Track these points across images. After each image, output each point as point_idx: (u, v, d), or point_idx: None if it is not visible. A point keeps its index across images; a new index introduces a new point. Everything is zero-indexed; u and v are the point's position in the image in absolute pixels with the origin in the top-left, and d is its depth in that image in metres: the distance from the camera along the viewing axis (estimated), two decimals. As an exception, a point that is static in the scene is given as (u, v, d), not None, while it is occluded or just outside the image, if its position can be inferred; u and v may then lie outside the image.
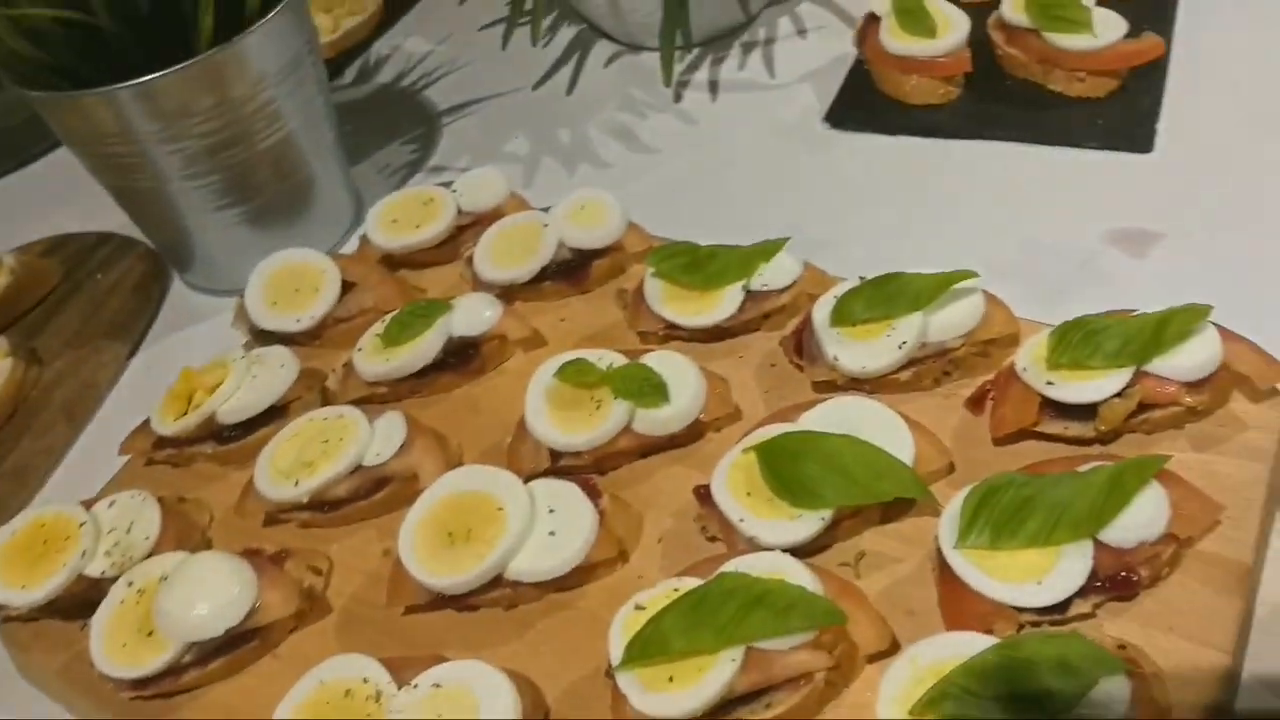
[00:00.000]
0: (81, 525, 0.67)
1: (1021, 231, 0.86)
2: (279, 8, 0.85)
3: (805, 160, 0.99)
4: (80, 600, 0.66)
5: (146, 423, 0.77)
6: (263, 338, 0.83)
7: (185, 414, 0.74)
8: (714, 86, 1.11)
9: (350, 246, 1.01)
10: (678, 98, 1.10)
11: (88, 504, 0.70)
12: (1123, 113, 0.93)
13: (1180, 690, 0.52)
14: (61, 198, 1.17)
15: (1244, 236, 0.80)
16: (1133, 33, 0.93)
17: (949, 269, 0.69)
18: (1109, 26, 0.92)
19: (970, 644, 0.51)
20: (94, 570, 0.66)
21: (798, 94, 1.07)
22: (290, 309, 0.82)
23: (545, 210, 0.85)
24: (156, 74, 0.81)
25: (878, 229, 0.90)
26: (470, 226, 0.89)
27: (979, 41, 0.98)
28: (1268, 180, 0.84)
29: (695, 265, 0.75)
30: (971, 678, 0.49)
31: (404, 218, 0.88)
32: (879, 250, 0.85)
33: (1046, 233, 0.85)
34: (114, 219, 1.04)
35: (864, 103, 1.02)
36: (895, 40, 0.96)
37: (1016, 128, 0.95)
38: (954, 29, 0.96)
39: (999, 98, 0.98)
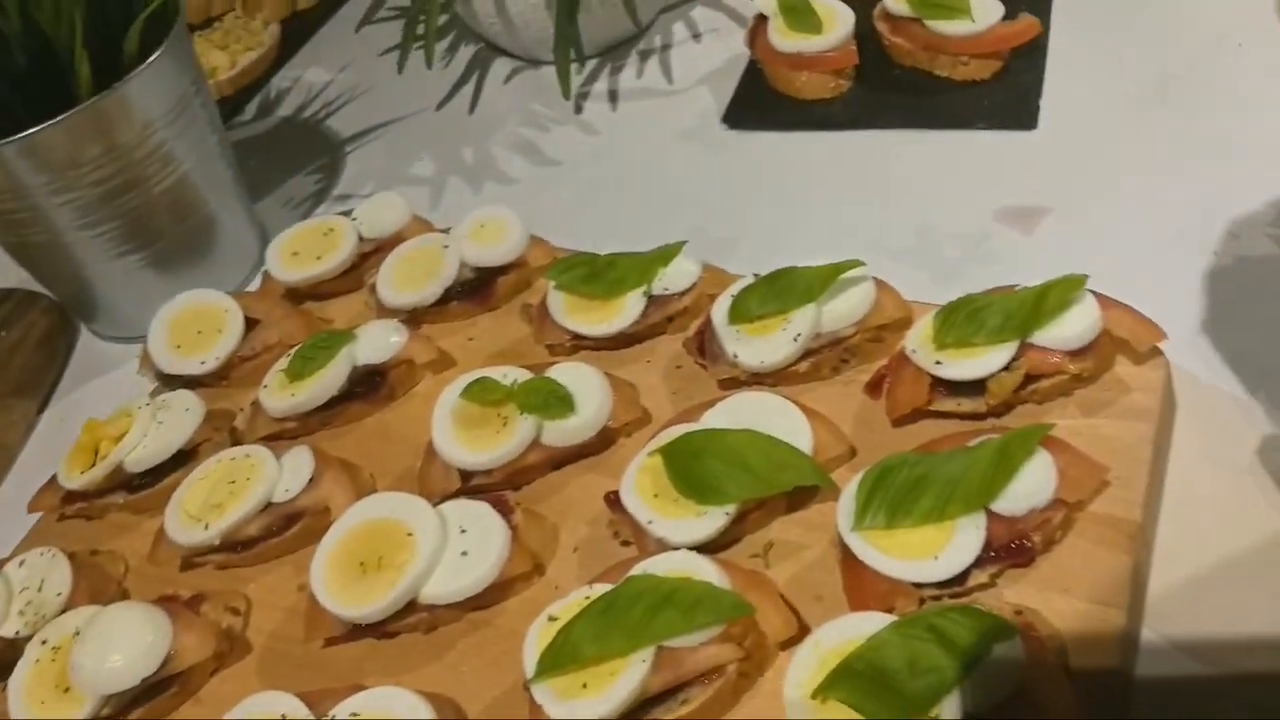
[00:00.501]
0: (-9, 589, 0.66)
1: (916, 216, 0.88)
2: (159, 51, 0.85)
3: (706, 162, 1.01)
4: (-1, 663, 0.65)
5: (54, 478, 0.76)
6: (169, 381, 0.83)
7: (93, 466, 0.73)
8: (614, 96, 1.12)
9: (257, 283, 1.01)
10: (579, 109, 1.11)
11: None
12: (1006, 93, 0.96)
13: (1080, 649, 0.54)
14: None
15: (1125, 207, 0.83)
16: (1010, 15, 0.95)
17: (842, 259, 0.71)
18: (987, 10, 0.95)
19: (870, 624, 0.53)
20: (8, 631, 0.65)
21: (696, 98, 1.08)
22: (194, 351, 0.82)
23: (446, 231, 0.86)
24: (38, 127, 0.80)
25: (777, 225, 0.92)
26: (374, 253, 0.89)
27: (865, 34, 1.00)
28: (1145, 149, 0.87)
29: (595, 275, 0.76)
30: (868, 657, 0.50)
31: (304, 250, 0.88)
32: (779, 245, 0.87)
33: (940, 215, 0.87)
34: (14, 274, 1.02)
35: (759, 102, 1.04)
36: (783, 39, 0.98)
37: (906, 114, 0.98)
38: (839, 23, 0.98)
39: (888, 87, 1.01)
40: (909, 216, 0.88)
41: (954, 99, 0.97)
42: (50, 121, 0.80)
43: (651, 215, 0.96)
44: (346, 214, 0.92)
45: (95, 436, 0.74)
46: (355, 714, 0.55)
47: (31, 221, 0.86)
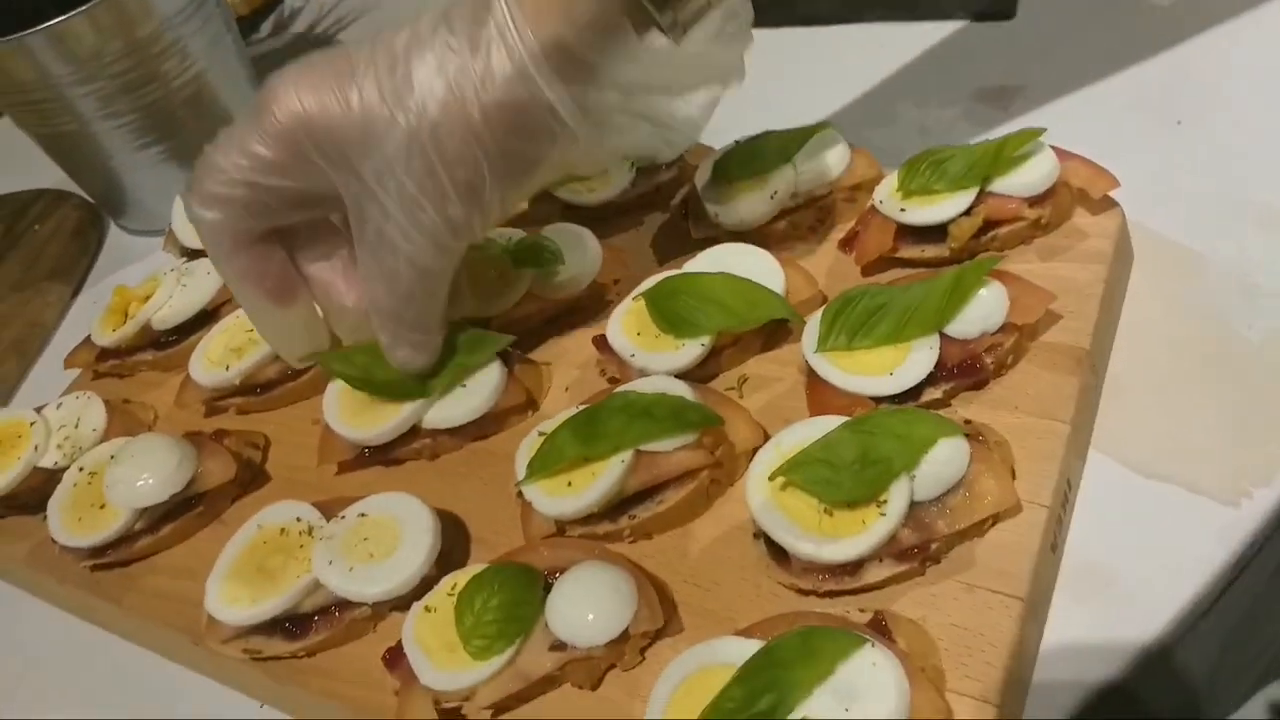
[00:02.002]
0: (32, 424, 0.73)
1: (898, 100, 0.92)
2: (175, -51, 0.90)
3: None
4: (39, 494, 0.71)
5: (88, 339, 0.82)
6: (193, 256, 0.88)
7: (123, 325, 0.79)
8: None
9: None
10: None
11: (36, 410, 0.75)
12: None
13: (1026, 454, 0.59)
14: None
15: (1094, 83, 0.86)
16: (992, -92, 0.99)
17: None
18: (968, -97, 0.98)
19: (826, 424, 0.58)
20: (47, 462, 0.72)
21: (690, -1, 1.12)
22: (215, 227, 0.87)
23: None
24: (63, 17, 0.85)
25: (764, 118, 0.95)
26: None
27: (850, -72, 1.04)
28: (1107, 35, 0.90)
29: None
30: (823, 447, 0.55)
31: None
32: (758, 129, 0.91)
33: (921, 98, 0.91)
34: (47, 177, 1.08)
35: (750, 0, 1.08)
36: (771, -64, 1.02)
37: (891, 6, 1.01)
38: (825, -81, 1.01)
39: (875, -17, 1.04)
40: (891, 102, 0.92)
41: (936, -8, 1.01)
42: (74, 12, 0.85)
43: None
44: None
45: (125, 299, 0.80)
46: (363, 514, 0.61)
47: (60, 111, 0.91)
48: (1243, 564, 0.57)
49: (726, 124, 0.93)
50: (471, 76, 0.52)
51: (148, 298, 0.79)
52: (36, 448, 0.71)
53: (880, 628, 0.52)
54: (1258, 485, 0.59)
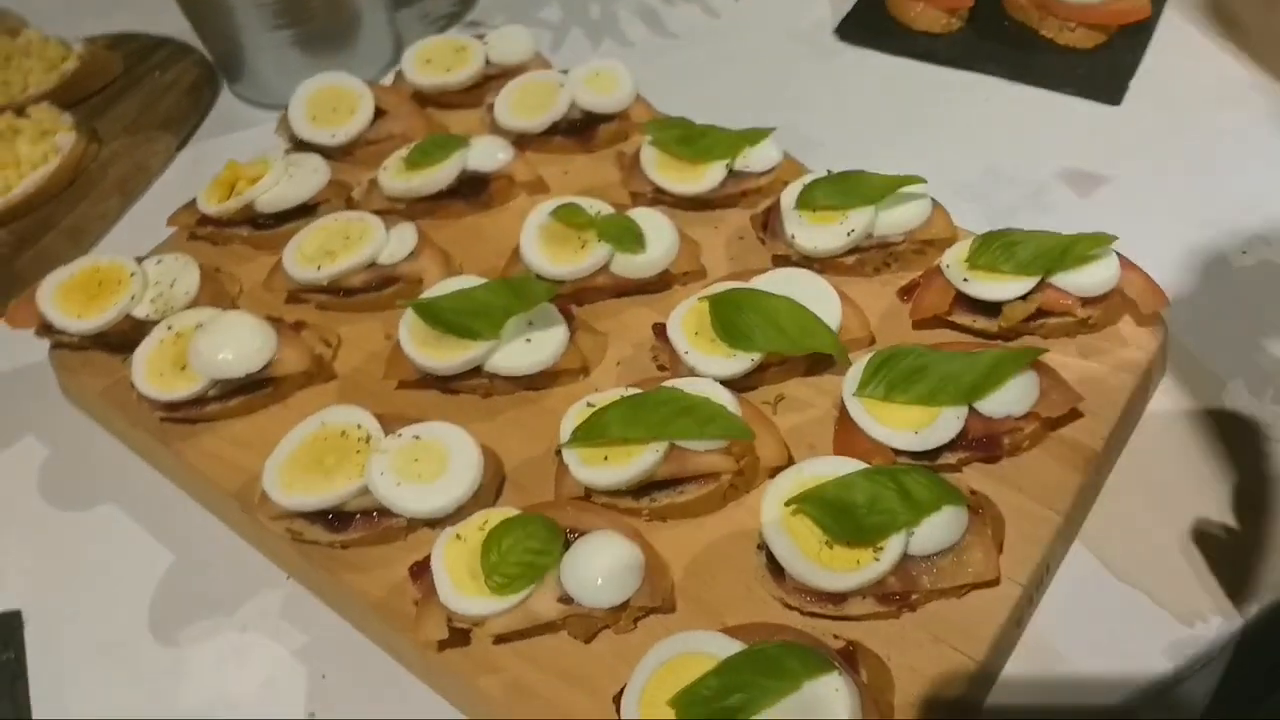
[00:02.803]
0: (132, 275, 0.79)
1: (988, 158, 0.96)
2: None
3: (812, 66, 1.08)
4: (124, 338, 0.78)
5: (193, 202, 0.87)
6: (300, 146, 0.93)
7: (228, 198, 0.85)
8: (742, -15, 1.19)
9: (386, 82, 1.11)
10: (707, -10, 1.18)
11: (138, 260, 0.81)
12: (1103, 65, 1.02)
13: (1016, 534, 0.65)
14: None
15: (1178, 193, 0.90)
16: (1125, -6, 1.01)
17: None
18: (1104, -15, 1.00)
19: (847, 466, 0.63)
20: (140, 312, 0.78)
21: (814, 5, 1.15)
22: (328, 125, 0.92)
23: (564, 72, 0.94)
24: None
25: (862, 138, 1.00)
26: (496, 78, 0.98)
27: (986, -19, 1.06)
28: (1214, 146, 0.93)
29: (688, 139, 0.85)
30: (837, 489, 0.61)
31: (437, 59, 0.98)
32: (858, 156, 0.94)
33: (1009, 162, 0.95)
34: (172, 25, 1.13)
35: (873, 22, 1.11)
36: (910, -32, 1.04)
37: (1005, 65, 1.04)
38: (965, -34, 1.04)
39: (995, 35, 1.07)
40: (981, 157, 0.96)
41: (1052, 60, 1.03)
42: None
43: (751, 101, 1.04)
44: (479, 37, 1.00)
45: (234, 175, 0.86)
46: (417, 436, 0.67)
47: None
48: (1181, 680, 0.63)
49: (824, 135, 0.98)
50: None
51: (256, 179, 0.85)
52: (133, 297, 0.78)
53: (849, 657, 0.58)
54: (1215, 614, 0.64)
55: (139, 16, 1.19)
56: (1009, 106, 1.01)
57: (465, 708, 0.63)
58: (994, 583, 0.62)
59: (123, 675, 0.68)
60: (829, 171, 0.82)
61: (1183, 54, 1.02)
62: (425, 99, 0.99)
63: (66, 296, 0.78)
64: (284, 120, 0.94)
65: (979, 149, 0.97)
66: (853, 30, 1.11)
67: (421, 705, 0.64)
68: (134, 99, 1.06)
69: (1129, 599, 0.66)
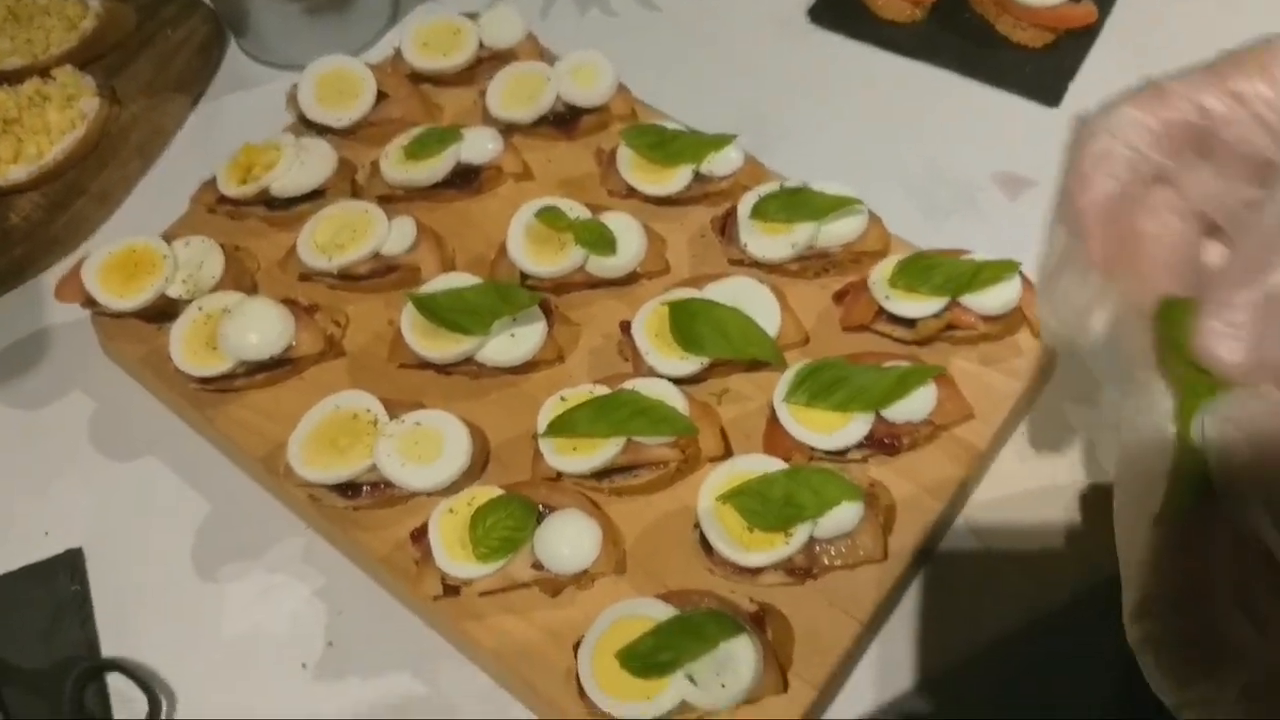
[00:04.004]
0: (165, 257, 0.90)
1: (930, 152, 1.05)
2: None
3: (782, 47, 1.16)
4: (161, 313, 0.89)
5: (213, 181, 0.97)
6: (307, 124, 1.03)
7: (245, 181, 0.95)
8: (723, -40, 1.25)
9: (384, 42, 1.19)
10: (689, -37, 1.24)
11: (167, 239, 0.92)
12: (1047, 66, 1.11)
13: (904, 519, 0.80)
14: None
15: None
16: (1077, -1, 1.09)
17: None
18: (1057, -13, 1.08)
19: (772, 464, 0.77)
20: (173, 293, 0.89)
21: (794, -15, 1.22)
22: (334, 107, 1.01)
23: (551, 64, 1.03)
24: None
25: (821, 123, 1.09)
26: (488, 60, 1.06)
27: (952, -26, 1.14)
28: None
29: (660, 144, 0.95)
30: (761, 483, 0.75)
31: (434, 42, 1.06)
32: (816, 143, 1.06)
33: (949, 159, 1.05)
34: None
35: (844, 8, 1.18)
36: (880, -42, 1.12)
37: (960, 59, 1.12)
38: (932, -44, 1.11)
39: (955, 29, 1.15)
40: (925, 151, 1.05)
41: (1003, 58, 1.12)
42: None
43: (722, 78, 1.12)
44: (473, 16, 1.08)
45: (250, 159, 0.95)
46: (418, 423, 0.80)
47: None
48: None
49: (787, 121, 1.08)
50: None
51: (270, 165, 0.94)
52: (167, 279, 0.89)
53: (759, 619, 0.74)
54: (1065, 591, 0.80)
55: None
56: (958, 102, 1.10)
57: (457, 644, 0.79)
58: (881, 560, 0.77)
59: (173, 608, 0.82)
60: (781, 186, 0.92)
61: (1125, 59, 1.11)
62: (421, 78, 1.07)
63: (108, 276, 0.89)
64: (293, 99, 1.03)
65: (924, 143, 1.07)
66: (824, 14, 1.19)
67: (421, 638, 0.80)
68: (148, 58, 1.13)
69: (995, 569, 0.81)
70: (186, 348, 0.86)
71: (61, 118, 1.03)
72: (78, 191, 1.03)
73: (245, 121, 1.11)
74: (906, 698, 0.77)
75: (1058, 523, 0.83)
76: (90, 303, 0.89)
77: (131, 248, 0.91)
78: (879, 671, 0.78)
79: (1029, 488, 0.85)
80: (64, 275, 0.91)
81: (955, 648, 0.78)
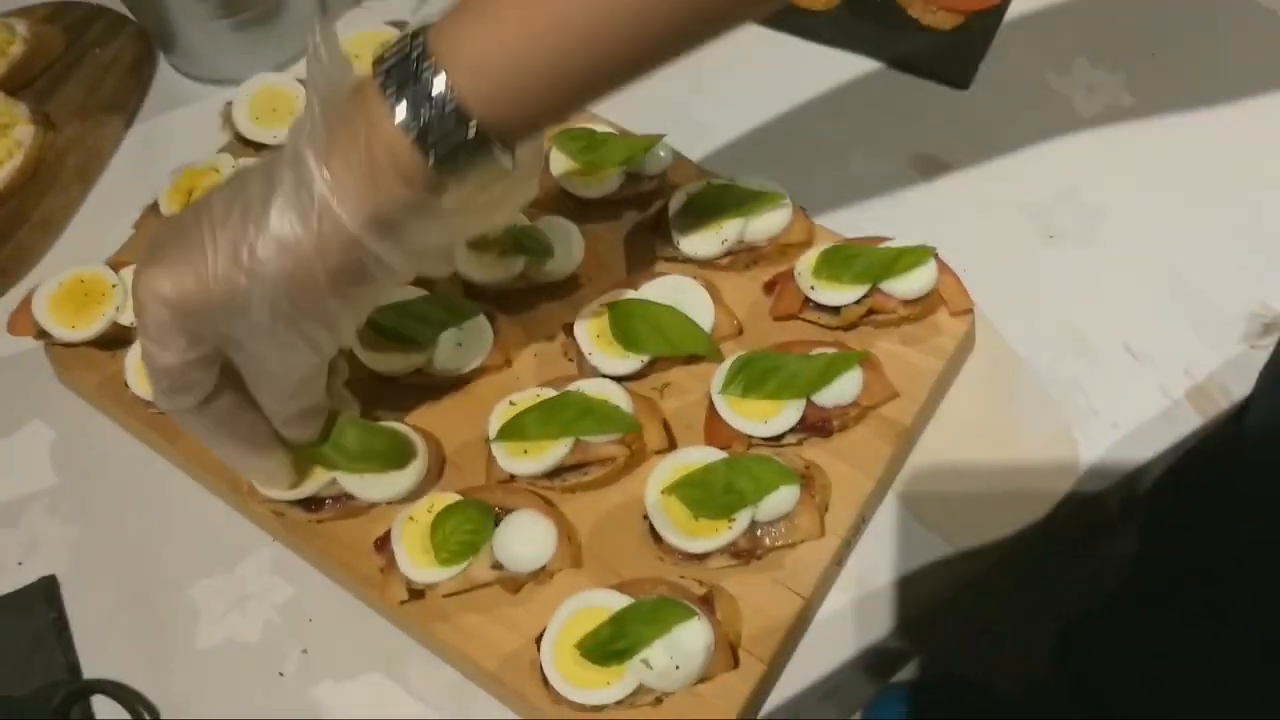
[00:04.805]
0: (114, 285, 0.92)
1: (846, 141, 1.10)
2: None
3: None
4: (112, 338, 0.92)
5: (155, 205, 0.99)
6: (243, 142, 1.04)
7: (187, 205, 0.97)
8: (643, -49, 1.28)
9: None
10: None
11: (114, 267, 0.94)
12: (957, 49, 1.15)
13: (837, 497, 0.85)
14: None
15: (999, 179, 1.07)
16: (984, -21, 1.13)
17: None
18: (962, -32, 1.12)
19: (712, 454, 0.82)
20: (124, 320, 0.91)
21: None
22: (269, 125, 1.03)
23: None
24: None
25: (741, 116, 1.12)
26: (419, 69, 1.09)
27: (866, -41, 1.17)
28: (1032, 132, 1.10)
29: (590, 148, 0.98)
30: (703, 475, 0.80)
31: (364, 55, 1.05)
32: (737, 136, 1.09)
33: (868, 144, 1.10)
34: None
35: (762, -2, 1.22)
36: (795, -56, 1.15)
37: (873, 45, 1.16)
38: (846, -57, 1.14)
39: (869, 15, 1.17)
40: (841, 140, 1.10)
41: (914, 42, 1.15)
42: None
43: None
44: (399, 25, 1.10)
45: (191, 182, 0.97)
46: (370, 432, 0.84)
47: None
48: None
49: (712, 113, 1.12)
50: (310, 249, 0.60)
51: (210, 187, 0.96)
52: (118, 308, 0.91)
53: (708, 601, 0.79)
54: (989, 548, 0.87)
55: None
56: (872, 89, 1.14)
57: (425, 644, 0.83)
58: (819, 537, 0.83)
59: (149, 626, 0.86)
60: (708, 183, 0.97)
61: (1031, 39, 1.16)
62: (354, 89, 1.09)
63: (58, 307, 0.91)
64: (228, 118, 1.04)
65: (839, 132, 1.10)
66: (744, 5, 1.22)
67: (390, 639, 0.84)
68: (78, 80, 1.13)
69: (924, 537, 0.88)
70: (141, 374, 0.88)
71: (-2, 149, 1.04)
72: (20, 220, 1.04)
73: (181, 139, 1.13)
74: (844, 669, 0.83)
75: (981, 491, 0.89)
76: (43, 335, 0.91)
77: (80, 277, 0.93)
78: (813, 643, 0.84)
79: (954, 457, 0.91)
80: (14, 310, 0.92)
81: (888, 617, 0.84)
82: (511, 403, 0.86)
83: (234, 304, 0.62)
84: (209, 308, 0.62)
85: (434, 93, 0.57)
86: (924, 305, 0.92)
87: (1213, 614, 0.89)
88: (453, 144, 0.58)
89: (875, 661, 0.87)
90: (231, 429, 0.71)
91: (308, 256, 0.61)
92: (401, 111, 0.58)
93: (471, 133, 0.58)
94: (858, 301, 0.91)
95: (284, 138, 1.03)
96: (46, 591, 0.87)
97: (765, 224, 0.95)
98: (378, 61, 0.61)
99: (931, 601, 0.86)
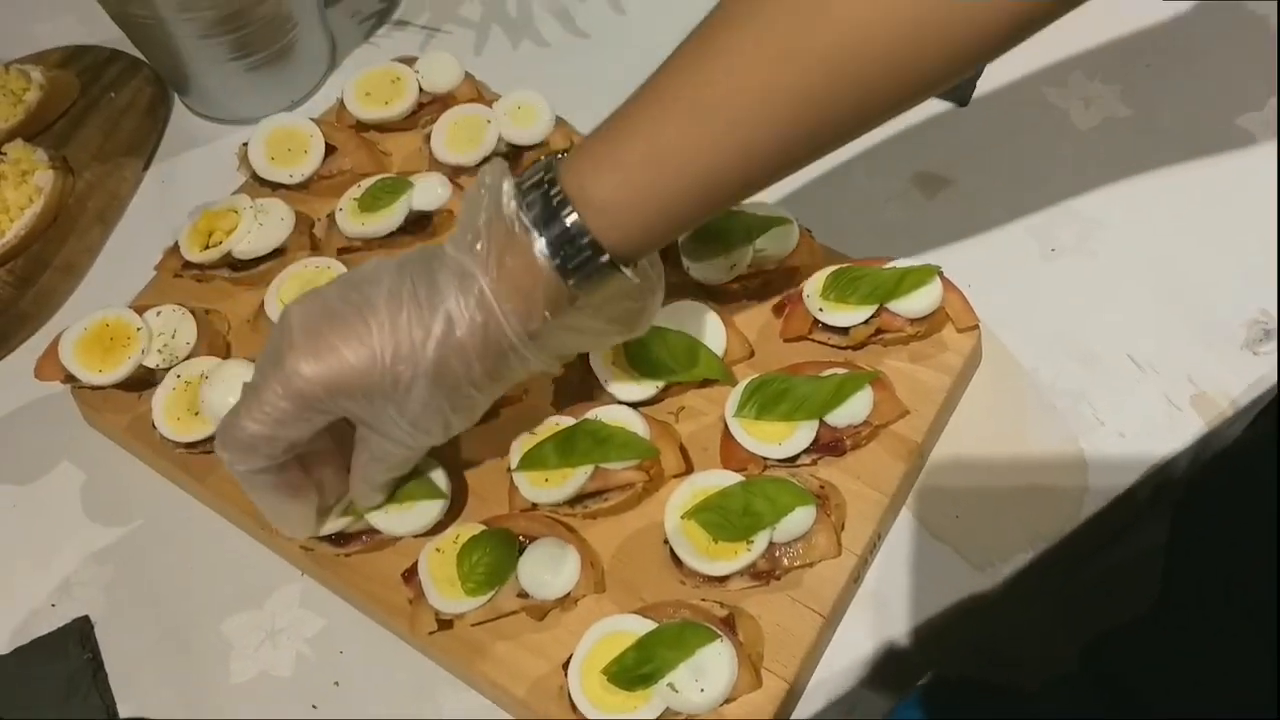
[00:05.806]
0: (139, 329, 0.94)
1: (848, 161, 1.11)
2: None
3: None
4: (139, 381, 0.94)
5: (176, 247, 1.01)
6: (260, 182, 1.07)
7: (207, 246, 0.99)
8: (644, -21, 1.30)
9: (327, 84, 1.23)
10: (614, -15, 1.29)
11: (138, 310, 0.96)
12: (956, 67, 1.18)
13: (853, 515, 0.87)
14: (58, 2, 1.32)
15: (1001, 196, 1.09)
16: None
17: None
18: (958, -8, 1.15)
19: (729, 478, 0.84)
20: (150, 363, 0.93)
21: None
22: (285, 165, 1.05)
23: (490, 105, 1.08)
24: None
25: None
26: (429, 104, 1.11)
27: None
28: (1032, 147, 1.12)
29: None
30: (720, 497, 0.82)
31: (375, 92, 1.10)
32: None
33: (867, 166, 1.11)
34: (113, 29, 1.20)
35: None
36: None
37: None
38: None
39: (867, 35, 1.21)
40: (843, 160, 1.11)
41: (915, 61, 1.19)
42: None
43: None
44: (409, 62, 1.13)
45: (210, 224, 0.99)
46: (399, 471, 0.86)
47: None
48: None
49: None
50: (473, 352, 0.69)
51: (230, 229, 0.99)
52: (143, 351, 0.93)
53: (730, 623, 0.81)
54: (1003, 560, 0.88)
55: (83, 26, 1.27)
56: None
57: (455, 672, 0.85)
58: (836, 556, 0.85)
59: (182, 662, 0.87)
60: (714, 211, 0.98)
61: (1024, 58, 1.18)
62: (366, 125, 1.12)
63: (85, 352, 0.93)
64: (244, 159, 1.07)
65: (848, 150, 1.11)
66: (742, 30, 1.24)
67: (421, 669, 0.86)
68: (95, 124, 1.16)
69: (939, 552, 0.89)
70: (169, 415, 0.91)
71: (18, 194, 1.06)
72: (42, 265, 1.06)
73: (199, 180, 1.15)
74: (864, 683, 0.85)
75: (992, 503, 0.91)
76: (70, 379, 0.93)
77: (105, 321, 0.95)
78: (834, 660, 0.85)
79: (965, 471, 0.93)
80: (41, 355, 0.95)
81: (906, 631, 0.86)
82: (532, 433, 0.88)
83: (393, 393, 0.69)
84: (365, 393, 0.68)
85: (571, 233, 0.66)
86: (930, 323, 0.94)
87: (1249, 620, 0.90)
88: (587, 272, 0.68)
89: (895, 674, 0.88)
90: (288, 488, 0.77)
91: (470, 358, 0.69)
92: (543, 246, 0.66)
93: (604, 259, 0.67)
94: (866, 321, 0.92)
95: (300, 177, 1.06)
96: (81, 633, 0.88)
97: (773, 248, 0.97)
98: (519, 190, 0.68)
99: (948, 614, 0.88)
